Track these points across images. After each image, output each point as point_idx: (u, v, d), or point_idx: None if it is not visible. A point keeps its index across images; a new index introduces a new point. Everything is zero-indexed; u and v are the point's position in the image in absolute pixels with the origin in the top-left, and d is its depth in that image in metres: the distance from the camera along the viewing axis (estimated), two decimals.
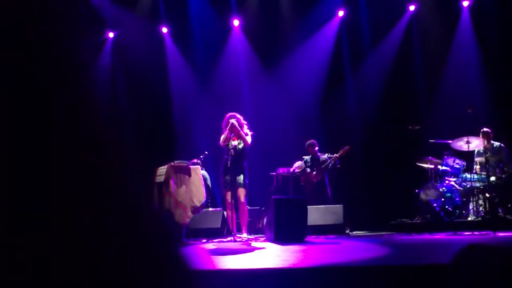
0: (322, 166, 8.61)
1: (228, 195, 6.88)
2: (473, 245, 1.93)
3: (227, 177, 6.91)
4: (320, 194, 8.46)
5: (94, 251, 0.69)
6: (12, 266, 0.63)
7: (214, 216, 7.91)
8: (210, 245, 6.35)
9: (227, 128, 6.88)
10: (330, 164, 8.62)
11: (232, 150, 6.80)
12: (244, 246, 6.08)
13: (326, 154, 8.81)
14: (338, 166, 8.72)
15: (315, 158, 8.81)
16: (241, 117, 7.04)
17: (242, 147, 6.94)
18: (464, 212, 7.98)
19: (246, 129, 7.01)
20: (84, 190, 0.70)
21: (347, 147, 8.57)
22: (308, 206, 7.10)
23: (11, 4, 0.70)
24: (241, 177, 6.88)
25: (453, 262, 1.92)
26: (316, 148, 8.83)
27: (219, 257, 4.84)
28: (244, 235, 6.90)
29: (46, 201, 0.66)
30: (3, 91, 0.67)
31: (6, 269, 0.62)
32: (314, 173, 8.66)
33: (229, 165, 6.85)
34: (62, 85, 0.73)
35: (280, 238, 6.38)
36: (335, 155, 8.59)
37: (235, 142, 6.89)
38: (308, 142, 8.89)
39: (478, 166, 8.17)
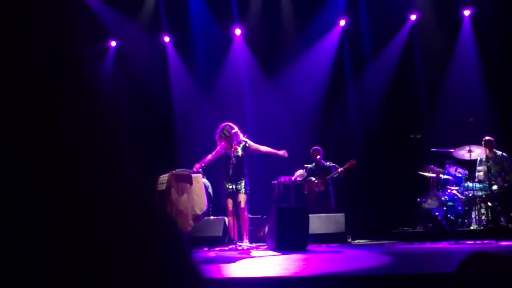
0: (327, 177, 8.60)
1: (230, 203, 6.92)
2: (478, 252, 1.92)
3: (229, 185, 6.94)
4: (324, 204, 8.43)
5: (100, 258, 0.69)
6: (13, 268, 0.63)
7: (215, 224, 7.90)
8: (212, 254, 6.33)
9: (226, 138, 6.96)
10: (335, 176, 8.60)
11: (234, 159, 6.84)
12: (246, 255, 6.06)
13: (328, 162, 8.80)
14: (341, 177, 8.69)
15: (317, 166, 8.80)
16: (235, 126, 7.09)
17: (242, 155, 6.99)
18: (466, 221, 7.95)
19: (242, 137, 7.07)
20: (86, 195, 0.71)
21: (353, 161, 8.54)
22: (310, 215, 7.09)
23: (12, 7, 0.71)
24: (242, 184, 6.91)
25: (458, 270, 1.91)
26: (318, 157, 8.81)
27: (221, 265, 4.83)
28: (245, 243, 6.89)
29: (46, 206, 0.67)
30: (5, 94, 0.68)
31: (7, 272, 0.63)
32: (316, 182, 8.64)
33: (230, 173, 6.88)
34: (64, 92, 0.74)
35: (282, 246, 6.37)
36: (340, 168, 8.57)
37: (235, 151, 6.92)
38: (312, 148, 8.90)
39: (481, 173, 8.15)
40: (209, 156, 7.24)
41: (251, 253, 6.21)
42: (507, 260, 1.85)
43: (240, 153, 6.97)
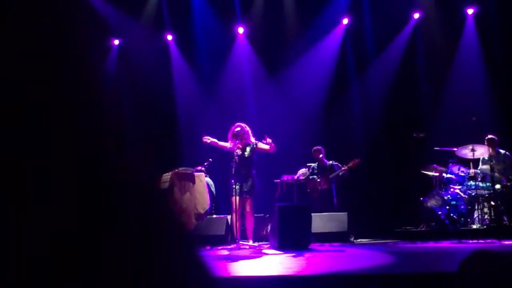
0: (330, 176, 8.60)
1: (234, 201, 6.91)
2: (481, 251, 1.92)
3: (235, 185, 6.93)
4: (326, 202, 8.43)
5: (108, 257, 0.70)
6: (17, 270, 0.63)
7: (218, 223, 7.90)
8: (214, 252, 6.34)
9: (233, 136, 6.98)
10: (339, 174, 8.60)
11: (236, 158, 6.84)
12: (248, 253, 6.07)
13: (331, 161, 8.80)
14: (346, 175, 8.69)
15: (320, 165, 8.81)
16: (248, 128, 7.12)
17: (249, 156, 6.97)
18: (469, 220, 7.94)
19: (252, 139, 7.09)
20: (90, 193, 0.71)
21: (357, 159, 8.53)
22: (312, 214, 7.09)
23: (15, 7, 0.71)
24: (249, 185, 6.89)
25: (460, 268, 1.90)
26: (321, 156, 8.82)
27: (223, 264, 4.84)
28: (250, 243, 6.91)
29: (48, 206, 0.67)
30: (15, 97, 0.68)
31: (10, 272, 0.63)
32: (319, 180, 8.65)
33: (233, 172, 6.87)
34: (69, 91, 0.74)
35: (284, 245, 6.37)
36: (344, 167, 8.56)
37: (239, 151, 6.92)
38: (314, 148, 8.91)
39: (471, 170, 8.13)
40: (220, 142, 7.17)
41: (253, 252, 6.22)
42: (509, 258, 1.85)
43: (247, 154, 6.97)
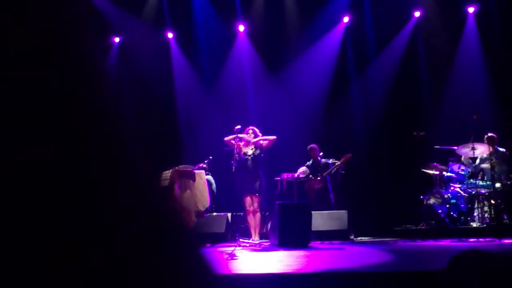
0: (324, 174, 8.60)
1: (246, 201, 7.00)
2: (473, 250, 1.92)
3: (240, 184, 6.98)
4: (323, 200, 8.43)
5: (112, 256, 0.70)
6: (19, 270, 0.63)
7: (218, 220, 7.90)
8: (215, 250, 6.34)
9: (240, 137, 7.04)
10: (333, 171, 8.60)
11: (237, 156, 6.85)
12: (248, 251, 6.08)
13: (331, 160, 8.78)
14: (342, 172, 8.69)
15: (315, 164, 8.79)
16: (257, 130, 7.20)
17: (256, 155, 7.00)
18: (469, 218, 7.94)
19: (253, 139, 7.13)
20: (92, 192, 0.71)
21: (349, 154, 8.54)
22: (313, 212, 7.10)
23: (17, 5, 0.71)
24: (257, 184, 6.93)
25: (448, 267, 1.91)
26: (321, 154, 8.81)
27: (224, 262, 4.84)
28: (256, 239, 7.00)
29: (48, 205, 0.67)
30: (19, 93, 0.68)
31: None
32: (319, 179, 8.64)
33: (233, 170, 6.88)
34: (71, 88, 0.74)
35: (284, 243, 6.38)
36: (337, 162, 8.57)
37: (250, 151, 6.95)
38: (309, 146, 8.87)
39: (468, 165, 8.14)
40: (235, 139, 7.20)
41: (253, 250, 6.22)
42: (500, 258, 1.85)
43: (257, 152, 7.02)
